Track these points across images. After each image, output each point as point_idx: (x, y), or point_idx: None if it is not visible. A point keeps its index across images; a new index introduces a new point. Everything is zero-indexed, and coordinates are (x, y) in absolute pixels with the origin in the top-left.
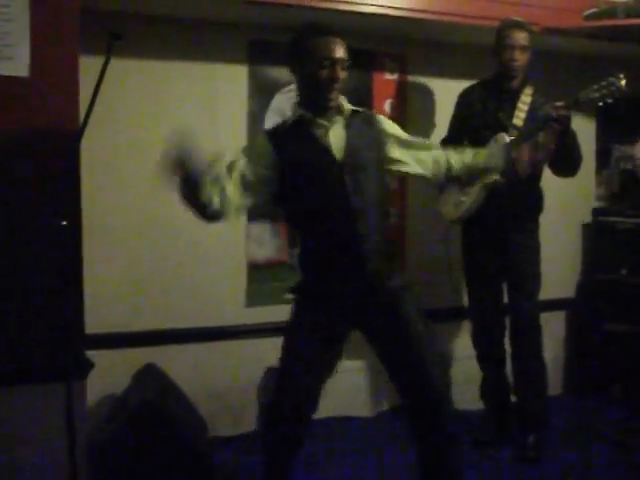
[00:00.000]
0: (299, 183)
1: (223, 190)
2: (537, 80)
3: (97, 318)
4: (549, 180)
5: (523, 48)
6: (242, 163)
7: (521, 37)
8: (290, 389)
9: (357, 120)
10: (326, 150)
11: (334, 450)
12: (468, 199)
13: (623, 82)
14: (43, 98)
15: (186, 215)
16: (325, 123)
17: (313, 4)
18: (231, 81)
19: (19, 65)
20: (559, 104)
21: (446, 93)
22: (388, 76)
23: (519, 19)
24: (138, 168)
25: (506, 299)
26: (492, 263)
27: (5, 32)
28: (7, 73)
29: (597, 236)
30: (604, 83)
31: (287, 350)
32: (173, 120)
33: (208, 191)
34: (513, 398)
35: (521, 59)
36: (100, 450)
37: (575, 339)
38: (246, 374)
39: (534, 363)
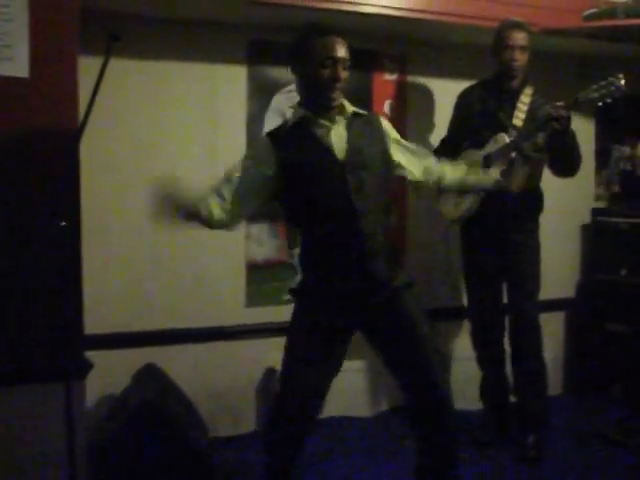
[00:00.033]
0: (301, 183)
1: (223, 201)
2: (537, 80)
3: (97, 318)
4: (548, 180)
5: (523, 48)
6: (244, 168)
7: (521, 37)
8: (293, 390)
9: (359, 121)
10: (328, 150)
11: (334, 450)
12: (468, 199)
13: (622, 82)
14: (42, 98)
15: None
16: (326, 123)
17: (312, 4)
18: (230, 81)
19: (18, 65)
20: (559, 104)
21: (446, 93)
22: (388, 76)
23: (518, 19)
24: (137, 168)
25: (506, 299)
26: (492, 263)
27: (4, 32)
28: (7, 73)
29: (597, 236)
30: (604, 83)
31: (289, 351)
32: (172, 120)
33: (207, 206)
34: (513, 398)
35: (521, 59)
36: (100, 450)
37: (575, 339)
38: (246, 374)
39: (534, 363)
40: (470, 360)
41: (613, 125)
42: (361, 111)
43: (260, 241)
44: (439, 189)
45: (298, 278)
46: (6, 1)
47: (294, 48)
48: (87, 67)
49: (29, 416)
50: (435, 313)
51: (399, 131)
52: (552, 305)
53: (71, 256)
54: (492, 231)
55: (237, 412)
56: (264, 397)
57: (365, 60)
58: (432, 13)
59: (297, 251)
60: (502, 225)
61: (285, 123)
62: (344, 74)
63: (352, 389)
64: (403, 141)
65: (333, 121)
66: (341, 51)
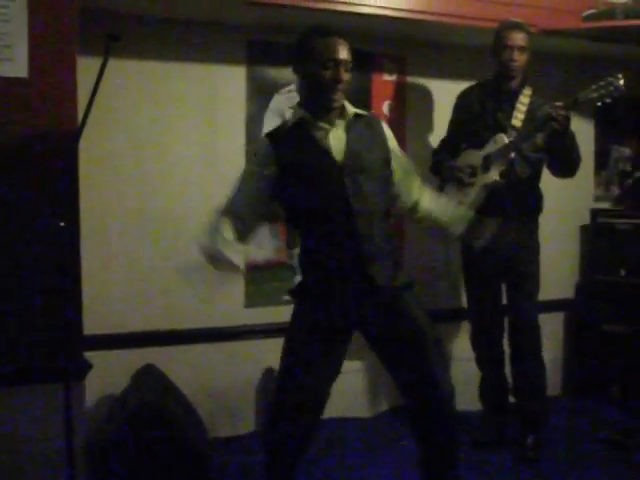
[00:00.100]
0: (299, 184)
1: (235, 218)
2: (536, 81)
3: (96, 319)
4: (548, 181)
5: (522, 49)
6: (247, 175)
7: (520, 38)
8: (290, 390)
9: (359, 123)
10: (326, 152)
11: (333, 451)
12: (467, 200)
13: (622, 82)
14: (41, 99)
15: (185, 216)
16: (326, 125)
17: (312, 5)
18: (230, 82)
19: (18, 66)
20: (558, 104)
21: (445, 94)
22: (387, 77)
23: (517, 20)
24: (137, 168)
25: (505, 300)
26: (491, 263)
27: (4, 33)
28: (6, 74)
29: (596, 237)
30: (603, 83)
31: (287, 351)
32: (172, 120)
33: (223, 241)
34: (512, 399)
35: (520, 60)
36: (99, 450)
37: (574, 340)
38: (245, 375)
39: (533, 363)
40: (469, 361)
41: (612, 126)
42: (363, 112)
43: (260, 242)
44: (409, 213)
45: (298, 279)
46: (5, 2)
47: (296, 49)
48: (86, 67)
49: (28, 416)
50: (434, 314)
51: (398, 131)
52: (551, 305)
53: (70, 256)
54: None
55: (236, 413)
56: (263, 397)
57: (364, 61)
58: (431, 14)
59: (297, 252)
60: (502, 225)
61: (284, 124)
62: (346, 76)
63: (352, 390)
64: (400, 154)
65: (332, 123)
66: (343, 53)
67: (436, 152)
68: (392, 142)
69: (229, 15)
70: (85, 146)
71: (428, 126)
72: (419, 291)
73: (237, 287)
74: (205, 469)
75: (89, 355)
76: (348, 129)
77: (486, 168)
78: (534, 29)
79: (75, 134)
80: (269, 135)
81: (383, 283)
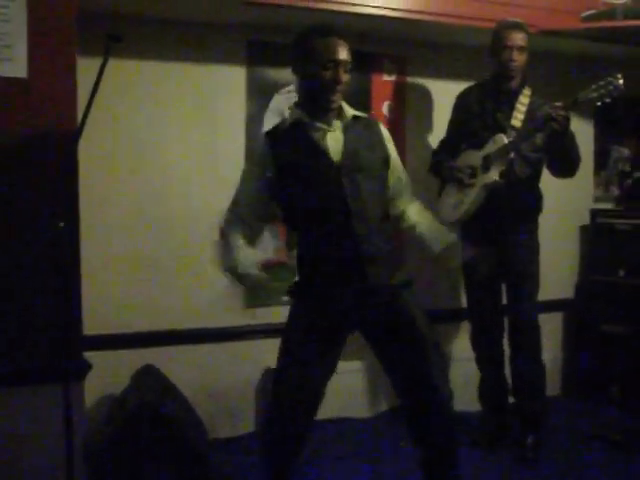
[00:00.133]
0: (297, 185)
1: (245, 224)
2: (535, 81)
3: (95, 319)
4: (547, 181)
5: (521, 49)
6: (247, 175)
7: (519, 38)
8: (287, 390)
9: (358, 125)
10: (324, 153)
11: (332, 452)
12: (467, 200)
13: (621, 81)
14: (41, 99)
15: (185, 216)
16: (323, 126)
17: (311, 5)
18: (229, 82)
19: (17, 66)
20: (558, 104)
21: (445, 94)
22: (386, 77)
23: (517, 20)
24: (136, 168)
25: (505, 300)
26: (491, 264)
27: (3, 33)
28: (5, 74)
29: (595, 237)
30: (602, 83)
31: (284, 351)
32: (172, 121)
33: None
34: (511, 399)
35: (519, 60)
36: (99, 451)
37: (573, 340)
38: (245, 375)
39: (532, 364)
40: (469, 361)
41: (612, 126)
42: (361, 114)
43: (259, 242)
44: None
45: (295, 279)
46: (5, 2)
47: (295, 48)
48: (86, 68)
49: (28, 417)
50: (434, 314)
51: (398, 132)
52: (550, 306)
53: (70, 256)
54: (491, 232)
55: (236, 413)
56: (263, 398)
57: (364, 61)
58: (431, 14)
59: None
60: (501, 226)
61: (283, 122)
62: (345, 77)
63: (351, 390)
64: (397, 159)
65: (330, 124)
66: (343, 53)
67: (436, 152)
68: (390, 145)
69: (229, 15)
70: (85, 146)
71: (428, 126)
72: (419, 291)
73: (237, 287)
74: (205, 469)
75: (89, 355)
76: (346, 130)
77: (486, 168)
78: (533, 29)
79: (75, 134)
80: (268, 134)
81: (381, 283)
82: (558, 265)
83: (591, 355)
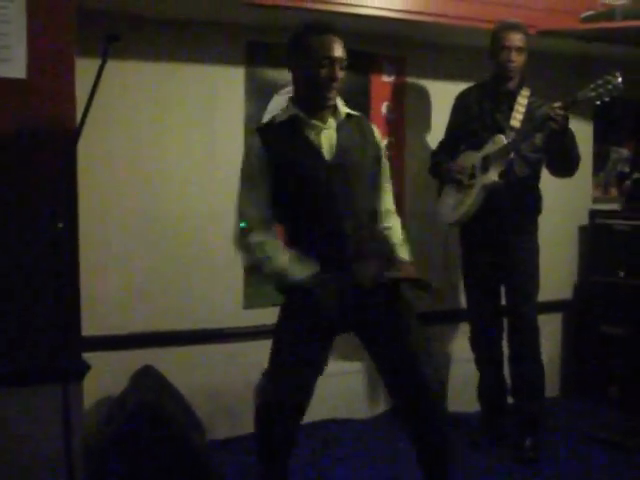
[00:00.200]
0: (288, 182)
1: (264, 226)
2: (535, 82)
3: (94, 320)
4: (546, 182)
5: (519, 49)
6: (248, 175)
7: (517, 38)
8: (281, 390)
9: (351, 124)
10: (317, 151)
11: (332, 453)
12: (467, 201)
13: (620, 80)
14: (40, 100)
15: (184, 216)
16: (318, 124)
17: (310, 6)
18: (228, 82)
19: (16, 66)
20: (556, 104)
21: (444, 95)
22: (385, 78)
23: (515, 21)
24: (135, 169)
25: (504, 301)
26: (490, 265)
27: (2, 34)
28: (4, 75)
29: (594, 238)
30: (601, 82)
31: (276, 352)
32: (171, 121)
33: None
34: (510, 400)
35: (517, 60)
36: (98, 451)
37: (572, 341)
38: (243, 376)
39: (532, 365)
40: (468, 362)
41: (611, 127)
42: (354, 113)
43: None
44: None
45: None
46: (4, 2)
47: (291, 46)
48: (85, 68)
49: (27, 418)
50: (433, 315)
51: (397, 132)
52: (549, 307)
53: (69, 257)
54: (491, 232)
55: (235, 413)
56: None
57: (363, 62)
58: (430, 15)
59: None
60: (501, 226)
61: (275, 118)
62: (341, 74)
63: (350, 391)
64: (386, 161)
65: (325, 122)
66: (338, 51)
67: (435, 153)
68: (381, 145)
69: (228, 16)
70: (84, 147)
71: (427, 127)
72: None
73: (235, 288)
74: (204, 470)
75: (88, 356)
76: (339, 128)
77: (485, 169)
78: (532, 30)
79: (74, 135)
80: (260, 130)
81: (369, 283)
82: (557, 266)
83: (590, 356)
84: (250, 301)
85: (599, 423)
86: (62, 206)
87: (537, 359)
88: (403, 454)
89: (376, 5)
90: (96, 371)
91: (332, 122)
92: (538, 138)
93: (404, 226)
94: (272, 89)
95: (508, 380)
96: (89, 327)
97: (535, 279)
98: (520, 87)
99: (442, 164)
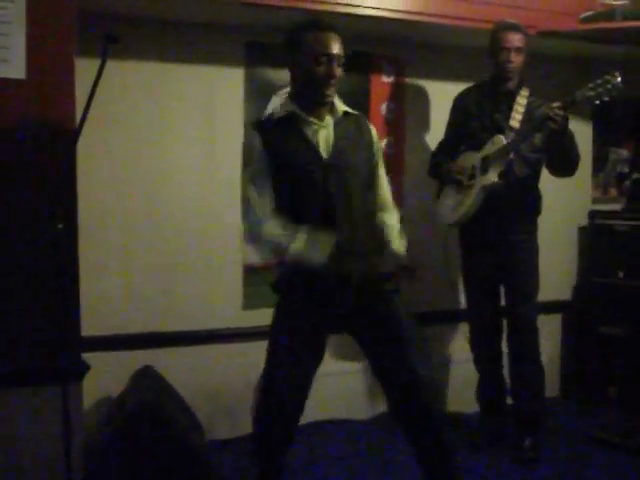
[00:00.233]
0: (284, 179)
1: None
2: (534, 83)
3: (94, 320)
4: (546, 182)
5: (518, 50)
6: (258, 171)
7: (516, 39)
8: (278, 390)
9: (348, 122)
10: (314, 149)
11: (331, 453)
12: (466, 201)
13: (619, 79)
14: (40, 100)
15: (183, 216)
16: (315, 121)
17: (309, 6)
18: (228, 83)
19: (16, 67)
20: (555, 104)
21: (443, 95)
22: (385, 78)
23: (514, 21)
24: (135, 169)
25: (504, 301)
26: (490, 265)
27: (2, 34)
28: (4, 75)
29: (594, 238)
30: (600, 81)
31: (272, 353)
32: (170, 122)
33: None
34: (510, 400)
35: (516, 61)
36: (98, 452)
37: (572, 341)
38: (243, 377)
39: (531, 365)
40: (467, 362)
41: (610, 128)
42: (352, 111)
43: None
44: None
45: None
46: (4, 3)
47: (289, 43)
48: (85, 69)
49: (26, 418)
50: (433, 315)
51: (397, 133)
52: (549, 307)
53: (68, 257)
54: (491, 233)
55: (234, 414)
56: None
57: (362, 62)
58: (429, 15)
59: None
60: (500, 227)
61: (272, 114)
62: (339, 71)
63: (349, 392)
64: (381, 159)
65: (322, 119)
66: (336, 47)
67: (434, 154)
68: (378, 144)
69: (227, 16)
70: (84, 147)
71: (426, 127)
72: (417, 292)
73: (235, 289)
74: (203, 470)
75: (87, 356)
76: (337, 127)
77: (485, 170)
78: (532, 31)
79: (73, 135)
80: (256, 126)
81: (362, 281)
82: (557, 266)
83: (590, 356)
84: (249, 302)
85: (599, 423)
86: (62, 206)
87: (536, 359)
88: (404, 455)
89: (375, 5)
90: (96, 371)
91: (329, 120)
92: (537, 138)
93: (402, 219)
94: (271, 90)
95: (507, 380)
96: (89, 327)
97: (535, 279)
98: (519, 87)
99: (442, 165)
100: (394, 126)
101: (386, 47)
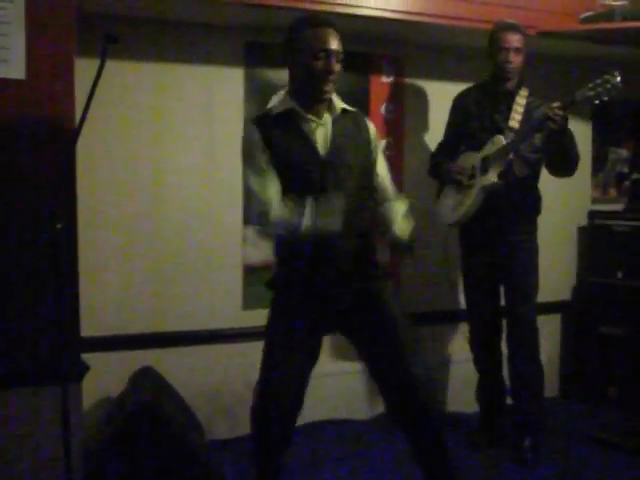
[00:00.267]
0: (282, 176)
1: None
2: (534, 83)
3: (93, 321)
4: (545, 183)
5: (517, 50)
6: (262, 164)
7: (515, 39)
8: (276, 390)
9: (346, 120)
10: (312, 146)
11: (332, 453)
12: (466, 202)
13: (619, 79)
14: (39, 100)
15: (183, 217)
16: (314, 118)
17: (309, 7)
18: (228, 83)
19: (15, 67)
20: (555, 104)
21: (443, 96)
22: (385, 79)
23: (513, 21)
24: (134, 170)
25: (503, 301)
26: (490, 265)
27: (2, 34)
28: (4, 75)
29: (593, 239)
30: (599, 81)
31: (268, 353)
32: (170, 122)
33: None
34: (509, 401)
35: (515, 61)
36: (98, 451)
37: (571, 341)
38: (243, 377)
39: (531, 366)
40: (467, 362)
41: (610, 128)
42: (350, 108)
43: (257, 243)
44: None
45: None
46: (3, 3)
47: (287, 39)
48: (85, 69)
49: (26, 419)
50: (432, 315)
51: (397, 133)
52: (548, 307)
53: (67, 258)
54: (490, 233)
55: (234, 414)
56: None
57: (362, 62)
58: (429, 16)
59: None
60: (500, 227)
61: (270, 109)
62: (337, 67)
63: (348, 392)
64: (381, 155)
65: (320, 117)
66: (334, 43)
67: (434, 155)
68: (377, 142)
69: (227, 16)
70: (83, 147)
71: (426, 127)
72: (417, 292)
73: (235, 289)
74: (203, 470)
75: (87, 357)
76: (335, 124)
77: (484, 170)
78: (532, 31)
79: (73, 136)
80: (255, 121)
81: (358, 282)
82: (556, 267)
83: (589, 356)
84: (249, 302)
85: (598, 423)
86: (61, 206)
87: (536, 360)
88: (403, 454)
89: (375, 6)
90: (95, 372)
91: (327, 117)
92: (537, 138)
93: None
94: (271, 90)
95: (507, 380)
96: (88, 328)
97: (534, 280)
98: (519, 87)
99: (442, 165)
100: (393, 126)
101: (386, 47)
